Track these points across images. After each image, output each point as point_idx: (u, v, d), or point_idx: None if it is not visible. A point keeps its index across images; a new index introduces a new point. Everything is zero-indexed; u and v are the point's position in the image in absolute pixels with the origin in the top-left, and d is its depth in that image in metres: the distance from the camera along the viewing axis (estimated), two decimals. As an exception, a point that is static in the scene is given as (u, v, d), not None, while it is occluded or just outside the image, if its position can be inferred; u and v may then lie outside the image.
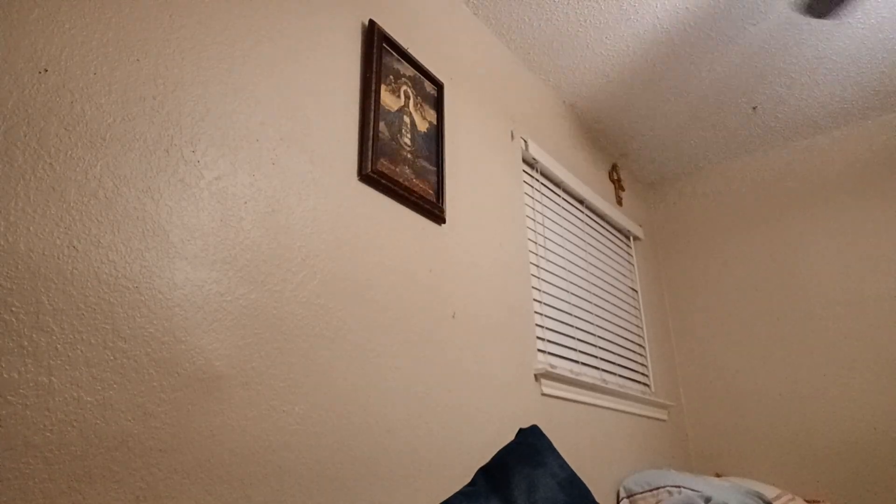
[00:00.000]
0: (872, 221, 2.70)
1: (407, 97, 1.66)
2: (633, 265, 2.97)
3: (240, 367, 1.08)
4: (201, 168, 1.11)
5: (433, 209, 1.64)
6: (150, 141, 1.04)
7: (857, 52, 2.36)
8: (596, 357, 2.36)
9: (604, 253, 2.71)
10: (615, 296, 2.68)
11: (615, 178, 3.00)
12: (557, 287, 2.25)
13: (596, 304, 2.48)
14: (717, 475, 2.69)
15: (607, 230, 2.82)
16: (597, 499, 1.94)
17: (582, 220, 2.60)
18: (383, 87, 1.58)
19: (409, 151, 1.61)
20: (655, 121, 2.81)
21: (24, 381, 0.81)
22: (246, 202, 1.18)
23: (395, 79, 1.63)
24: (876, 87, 2.58)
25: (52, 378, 0.84)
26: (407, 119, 1.64)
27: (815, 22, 2.20)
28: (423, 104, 1.72)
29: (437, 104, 1.78)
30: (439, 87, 1.80)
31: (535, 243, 2.19)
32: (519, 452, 1.52)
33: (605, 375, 2.38)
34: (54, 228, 0.89)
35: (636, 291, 2.91)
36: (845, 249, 2.73)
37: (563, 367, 2.12)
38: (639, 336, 2.80)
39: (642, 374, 2.72)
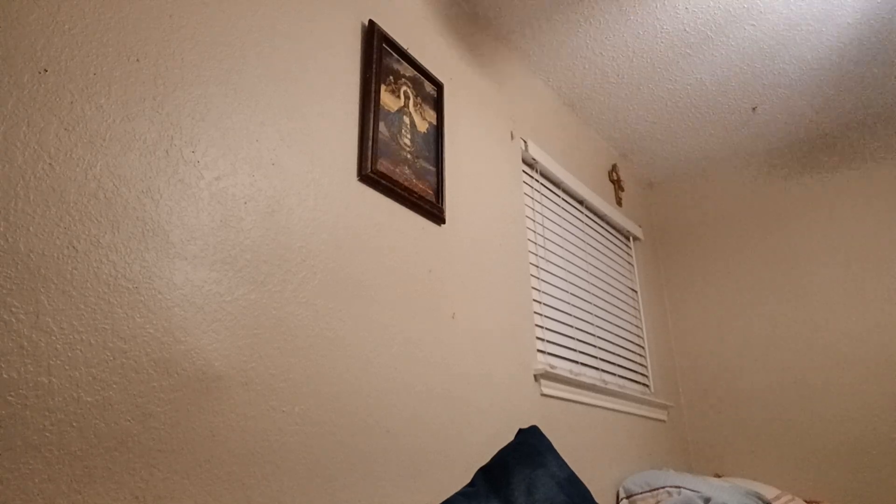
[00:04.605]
0: (872, 221, 2.70)
1: (407, 97, 1.66)
2: (632, 265, 2.97)
3: (240, 367, 1.08)
4: (201, 168, 1.11)
5: (433, 209, 1.64)
6: (150, 141, 1.04)
7: (857, 52, 2.36)
8: (595, 357, 2.36)
9: (604, 253, 2.71)
10: (615, 296, 2.68)
11: (615, 178, 3.00)
12: (557, 287, 2.25)
13: (596, 305, 2.48)
14: (717, 475, 2.69)
15: (607, 230, 2.82)
16: (596, 499, 1.94)
17: (582, 221, 2.60)
18: (383, 87, 1.58)
19: (408, 152, 1.61)
20: (655, 121, 2.81)
21: (24, 381, 0.81)
22: (246, 202, 1.18)
23: (394, 79, 1.63)
24: (876, 87, 2.58)
25: (52, 378, 0.84)
26: (407, 119, 1.64)
27: (814, 22, 2.20)
28: (422, 104, 1.72)
29: (437, 104, 1.78)
30: (439, 87, 1.80)
31: (535, 243, 2.19)
32: (519, 453, 1.52)
33: (605, 376, 2.38)
34: (54, 228, 0.89)
35: (636, 292, 2.91)
36: (845, 249, 2.73)
37: (563, 368, 2.12)
38: (638, 336, 2.80)
39: (642, 374, 2.72)
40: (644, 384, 2.71)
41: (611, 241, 2.82)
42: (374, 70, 1.55)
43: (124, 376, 0.92)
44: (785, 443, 2.66)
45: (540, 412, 1.89)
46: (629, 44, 2.31)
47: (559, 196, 2.48)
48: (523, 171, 2.24)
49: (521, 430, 1.66)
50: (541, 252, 2.21)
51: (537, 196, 2.30)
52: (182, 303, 1.02)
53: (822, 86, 2.57)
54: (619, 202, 2.98)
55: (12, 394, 0.80)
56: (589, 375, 2.26)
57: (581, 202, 2.64)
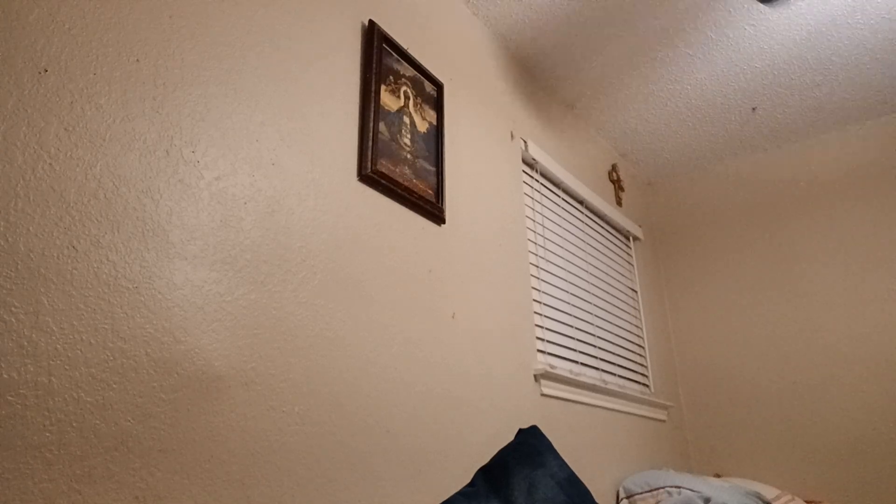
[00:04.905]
0: (872, 221, 2.70)
1: (407, 97, 1.66)
2: (632, 265, 2.97)
3: (239, 367, 1.08)
4: (201, 168, 1.11)
5: (433, 209, 1.64)
6: (150, 141, 1.04)
7: (857, 53, 2.36)
8: (595, 357, 2.36)
9: (604, 253, 2.71)
10: (615, 296, 2.68)
11: (615, 178, 3.00)
12: (557, 287, 2.25)
13: (596, 305, 2.48)
14: (717, 475, 2.69)
15: (607, 230, 2.82)
16: (596, 499, 1.94)
17: (582, 221, 2.60)
18: (383, 87, 1.58)
19: (408, 152, 1.61)
20: (655, 121, 2.81)
21: (24, 381, 0.81)
22: (246, 202, 1.18)
23: (394, 79, 1.63)
24: (876, 87, 2.58)
25: (52, 378, 0.84)
26: (407, 119, 1.64)
27: (814, 23, 2.20)
28: (422, 104, 1.72)
29: (437, 104, 1.78)
30: (439, 87, 1.80)
31: (535, 243, 2.19)
32: (518, 453, 1.52)
33: (605, 376, 2.38)
34: (54, 228, 0.89)
35: (636, 291, 2.91)
36: (845, 249, 2.73)
37: (563, 368, 2.12)
38: (638, 336, 2.80)
39: (642, 374, 2.72)
40: (644, 384, 2.71)
41: (611, 241, 2.82)
42: (374, 70, 1.55)
43: (124, 376, 0.92)
44: (785, 443, 2.66)
45: (540, 412, 1.89)
46: (629, 43, 2.31)
47: (559, 196, 2.48)
48: (523, 171, 2.24)
49: (521, 430, 1.66)
50: (541, 252, 2.21)
51: (537, 196, 2.30)
52: (182, 303, 1.02)
53: (821, 86, 2.57)
54: (619, 202, 2.98)
55: (12, 394, 0.80)
56: (589, 375, 2.26)
57: (581, 202, 2.64)
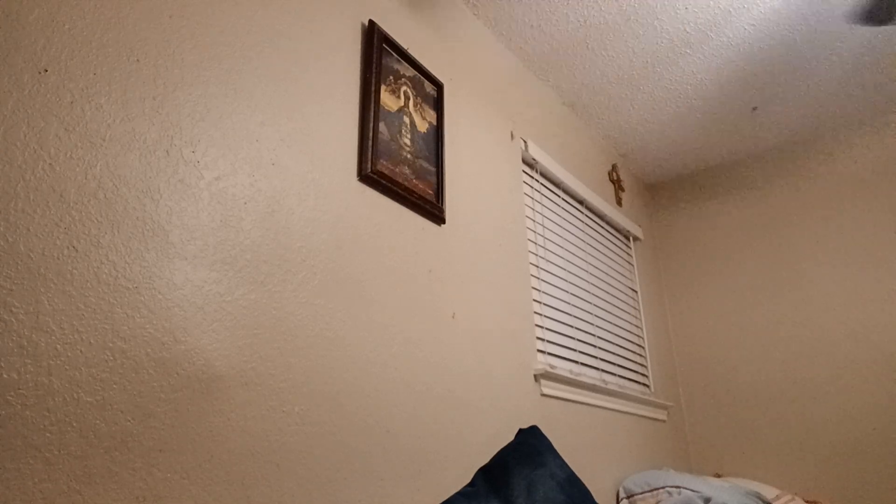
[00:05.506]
0: (872, 221, 2.70)
1: (407, 97, 1.66)
2: (632, 265, 2.97)
3: (240, 367, 1.08)
4: (201, 168, 1.11)
5: (433, 209, 1.64)
6: (150, 141, 1.04)
7: (858, 53, 2.36)
8: (595, 357, 2.36)
9: (604, 253, 2.71)
10: (615, 296, 2.68)
11: (615, 178, 3.00)
12: (557, 287, 2.25)
13: (596, 305, 2.48)
14: (717, 475, 2.69)
15: (607, 230, 2.82)
16: (596, 499, 1.93)
17: (582, 221, 2.60)
18: (383, 87, 1.58)
19: (408, 152, 1.61)
20: (655, 121, 2.81)
21: (24, 381, 0.81)
22: (246, 202, 1.18)
23: (394, 79, 1.63)
24: (878, 88, 2.58)
25: (52, 378, 0.84)
26: (407, 119, 1.64)
27: (814, 23, 2.20)
28: (422, 104, 1.72)
29: (437, 104, 1.78)
30: (439, 87, 1.80)
31: (535, 244, 2.19)
32: (518, 453, 1.52)
33: (605, 376, 2.38)
34: (54, 229, 0.89)
35: (636, 292, 2.91)
36: (845, 249, 2.73)
37: (563, 368, 2.12)
38: (638, 336, 2.80)
39: (642, 374, 2.72)
40: (644, 384, 2.71)
41: (611, 241, 2.82)
42: (374, 70, 1.55)
43: (124, 376, 0.92)
44: (785, 443, 2.66)
45: (540, 412, 1.89)
46: (629, 44, 2.31)
47: (559, 196, 2.48)
48: (523, 171, 2.24)
49: (521, 430, 1.66)
50: (541, 252, 2.21)
51: (537, 196, 2.30)
52: (182, 303, 1.02)
53: (821, 85, 2.57)
54: (619, 202, 2.98)
55: (12, 394, 0.80)
56: (589, 375, 2.26)
57: (581, 202, 2.64)
